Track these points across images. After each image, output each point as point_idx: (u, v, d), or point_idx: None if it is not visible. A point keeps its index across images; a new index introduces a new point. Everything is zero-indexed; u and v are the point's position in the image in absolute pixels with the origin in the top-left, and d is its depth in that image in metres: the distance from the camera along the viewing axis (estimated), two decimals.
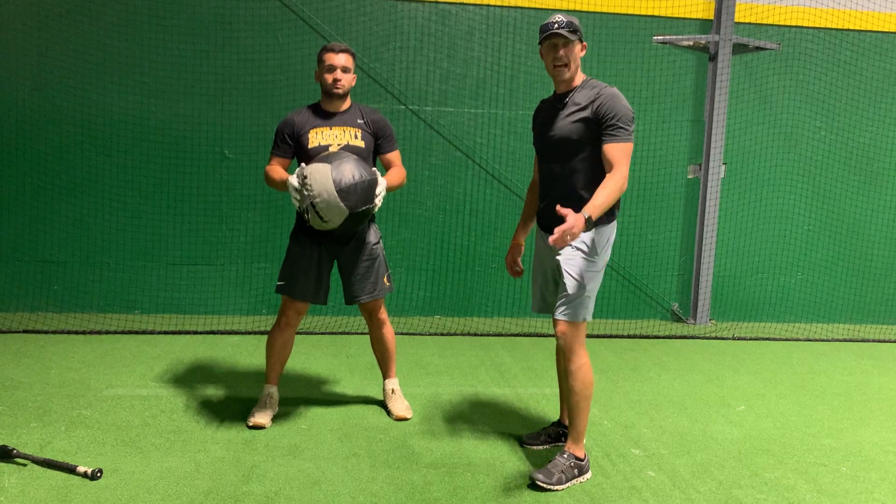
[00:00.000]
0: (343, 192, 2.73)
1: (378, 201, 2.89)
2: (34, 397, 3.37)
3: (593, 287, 2.67)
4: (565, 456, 2.68)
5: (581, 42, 2.66)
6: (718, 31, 5.39)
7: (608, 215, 2.66)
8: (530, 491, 2.60)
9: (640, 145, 5.39)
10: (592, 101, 2.60)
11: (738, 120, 5.59)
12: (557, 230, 2.39)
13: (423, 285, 5.45)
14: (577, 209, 2.52)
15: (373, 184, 2.83)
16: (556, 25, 2.61)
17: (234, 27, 5.06)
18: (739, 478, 2.79)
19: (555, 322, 2.70)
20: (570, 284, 2.62)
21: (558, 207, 2.44)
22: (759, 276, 5.80)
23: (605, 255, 2.72)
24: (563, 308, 2.67)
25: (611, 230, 2.71)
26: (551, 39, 2.63)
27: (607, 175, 2.56)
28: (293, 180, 2.82)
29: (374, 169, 2.93)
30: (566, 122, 2.65)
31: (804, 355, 4.81)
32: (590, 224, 2.45)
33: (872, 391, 4.03)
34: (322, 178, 2.74)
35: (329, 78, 3.06)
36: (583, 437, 2.73)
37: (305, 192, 2.76)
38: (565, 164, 2.68)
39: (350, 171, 2.77)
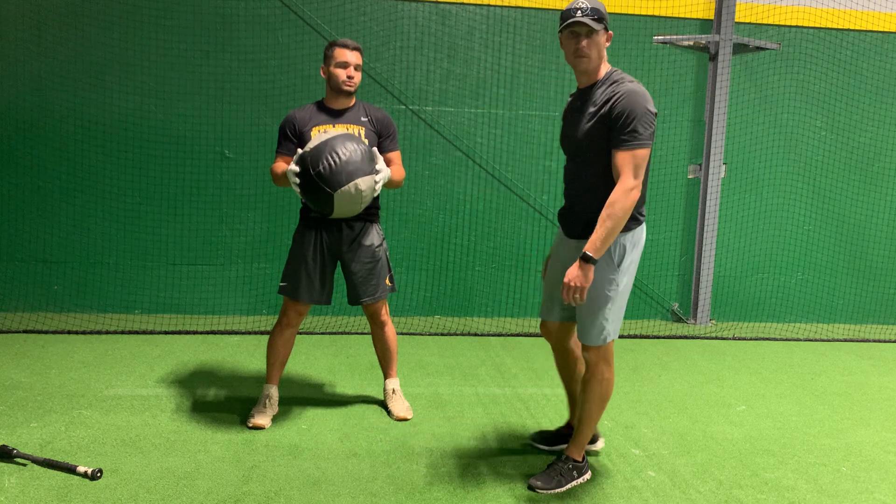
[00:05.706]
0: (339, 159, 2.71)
1: (377, 187, 2.84)
2: (34, 397, 3.37)
3: (616, 306, 2.50)
4: (563, 459, 2.67)
5: (606, 31, 2.43)
6: (718, 31, 5.39)
7: (630, 220, 2.45)
8: (530, 491, 2.60)
9: None
10: (609, 99, 2.40)
11: (738, 120, 5.58)
12: (564, 294, 2.37)
13: (424, 285, 5.44)
14: (595, 219, 2.42)
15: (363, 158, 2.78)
16: (580, 13, 2.36)
17: (234, 27, 5.06)
18: (740, 478, 2.79)
19: (583, 347, 2.59)
20: (589, 307, 2.47)
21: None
22: (759, 276, 5.80)
23: (632, 266, 2.52)
24: (583, 331, 2.53)
25: (632, 238, 2.48)
26: (572, 28, 2.40)
27: (613, 189, 2.36)
28: (292, 166, 2.80)
29: (377, 165, 2.86)
30: (584, 124, 2.47)
31: (804, 355, 4.81)
32: (593, 262, 2.34)
33: (872, 391, 4.03)
34: (321, 146, 2.74)
35: (342, 74, 3.02)
36: (585, 445, 2.70)
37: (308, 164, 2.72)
38: (584, 168, 2.52)
39: (344, 145, 2.75)
